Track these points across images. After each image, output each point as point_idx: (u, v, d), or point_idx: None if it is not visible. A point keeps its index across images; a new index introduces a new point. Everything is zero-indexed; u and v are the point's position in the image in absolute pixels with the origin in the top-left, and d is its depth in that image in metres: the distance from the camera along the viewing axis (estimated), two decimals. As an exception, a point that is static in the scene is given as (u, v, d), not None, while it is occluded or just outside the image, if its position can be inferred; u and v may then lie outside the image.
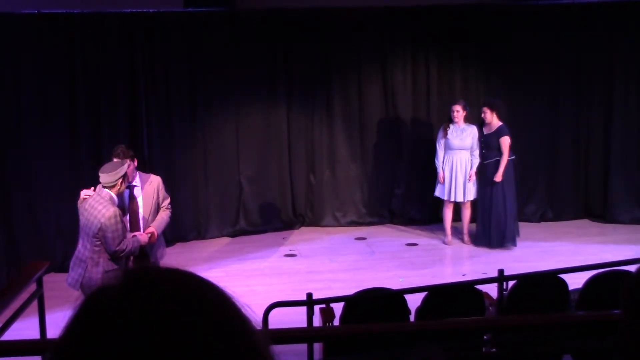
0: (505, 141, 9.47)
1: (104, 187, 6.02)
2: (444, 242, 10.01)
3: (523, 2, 10.65)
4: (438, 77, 10.81)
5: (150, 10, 9.62)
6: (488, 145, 9.59)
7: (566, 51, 10.72)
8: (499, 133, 9.52)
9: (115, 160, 6.31)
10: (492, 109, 9.55)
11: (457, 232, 10.16)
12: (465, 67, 10.82)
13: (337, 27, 10.40)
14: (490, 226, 9.64)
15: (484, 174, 9.67)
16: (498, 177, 9.47)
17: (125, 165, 6.11)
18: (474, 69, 10.85)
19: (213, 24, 10.03)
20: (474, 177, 9.73)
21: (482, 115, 9.63)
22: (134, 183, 6.52)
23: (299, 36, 10.37)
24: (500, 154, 9.50)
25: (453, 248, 9.90)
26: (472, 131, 9.67)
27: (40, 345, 4.29)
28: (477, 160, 9.70)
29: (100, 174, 6.05)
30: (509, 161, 9.52)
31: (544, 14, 10.61)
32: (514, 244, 9.69)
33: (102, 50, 9.45)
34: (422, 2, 10.27)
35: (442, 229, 10.16)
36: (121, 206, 6.24)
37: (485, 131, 9.66)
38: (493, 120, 9.59)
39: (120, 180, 6.03)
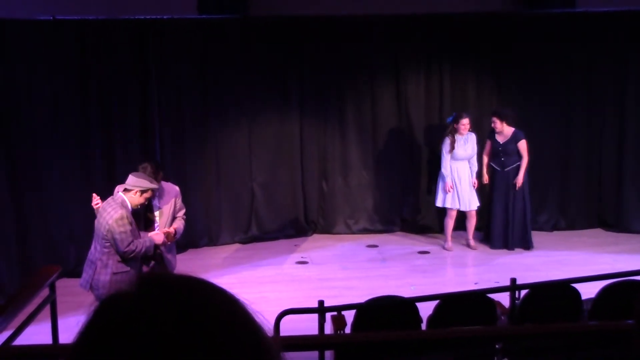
0: (524, 144, 9.76)
1: (124, 189, 6.10)
2: (445, 248, 10.10)
3: (536, 10, 10.61)
4: (451, 86, 10.79)
5: (164, 17, 9.66)
6: (506, 152, 9.83)
7: (579, 59, 10.68)
8: (515, 138, 9.79)
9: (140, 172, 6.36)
10: (501, 118, 9.77)
11: (462, 238, 10.23)
12: (478, 76, 10.80)
13: (350, 35, 10.39)
14: (513, 229, 9.89)
15: (506, 180, 9.85)
16: (519, 181, 9.73)
17: (152, 185, 6.15)
18: (487, 77, 10.83)
19: (226, 30, 10.06)
20: (477, 184, 9.91)
21: (492, 125, 9.83)
22: None
23: (312, 43, 10.37)
24: (519, 158, 9.75)
25: (465, 256, 9.89)
26: (472, 139, 9.92)
27: (52, 350, 4.31)
28: (475, 168, 9.96)
29: (130, 175, 6.15)
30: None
31: (557, 22, 10.58)
32: (533, 246, 9.99)
33: (115, 56, 9.48)
34: (435, 10, 10.27)
35: (455, 236, 10.18)
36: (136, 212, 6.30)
37: (501, 140, 9.84)
38: (504, 128, 9.75)
39: (138, 191, 6.08)
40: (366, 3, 10.20)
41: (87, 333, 0.88)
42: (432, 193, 10.64)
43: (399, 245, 10.40)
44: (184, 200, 6.99)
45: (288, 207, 10.77)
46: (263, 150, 10.53)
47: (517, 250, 9.93)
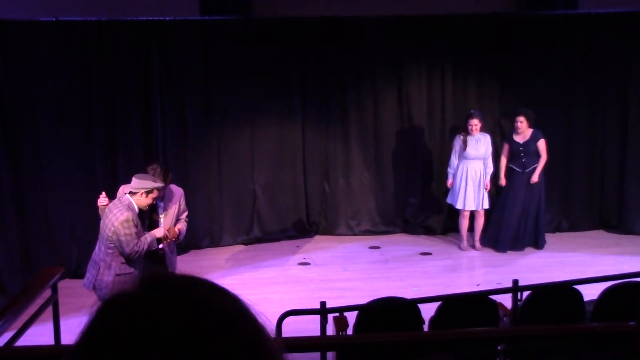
0: (543, 143, 9.78)
1: (130, 192, 6.11)
2: (460, 248, 10.08)
3: (538, 11, 10.62)
4: (453, 87, 10.78)
5: (167, 18, 9.67)
6: (528, 153, 9.79)
7: (581, 61, 10.67)
8: (535, 138, 9.79)
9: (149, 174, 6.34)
10: (527, 119, 9.72)
11: (469, 239, 10.21)
12: (480, 77, 10.80)
13: (352, 36, 10.40)
14: (526, 229, 9.90)
15: (526, 181, 9.82)
16: (535, 178, 9.72)
17: (156, 184, 6.14)
18: (489, 78, 10.82)
19: (228, 31, 10.07)
20: (489, 187, 9.80)
21: (519, 125, 9.76)
22: None
23: (314, 44, 10.38)
24: (539, 158, 9.78)
25: (467, 257, 9.89)
26: (486, 140, 9.79)
27: (54, 351, 4.31)
28: (490, 170, 9.85)
29: (133, 177, 6.14)
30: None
31: (559, 23, 10.58)
32: (544, 245, 10.05)
33: (117, 57, 9.49)
34: (437, 12, 10.28)
35: (457, 238, 10.22)
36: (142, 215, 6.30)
37: (521, 140, 9.82)
38: (526, 129, 9.74)
39: (144, 192, 6.07)
40: (368, 4, 10.22)
41: (89, 333, 0.88)
42: (435, 194, 10.66)
43: (401, 246, 10.39)
44: (186, 202, 7.00)
45: (290, 209, 10.77)
46: (265, 151, 10.53)
47: (520, 251, 9.91)
